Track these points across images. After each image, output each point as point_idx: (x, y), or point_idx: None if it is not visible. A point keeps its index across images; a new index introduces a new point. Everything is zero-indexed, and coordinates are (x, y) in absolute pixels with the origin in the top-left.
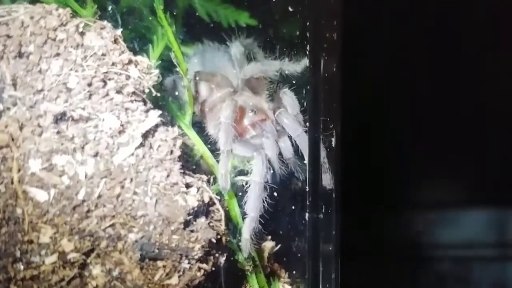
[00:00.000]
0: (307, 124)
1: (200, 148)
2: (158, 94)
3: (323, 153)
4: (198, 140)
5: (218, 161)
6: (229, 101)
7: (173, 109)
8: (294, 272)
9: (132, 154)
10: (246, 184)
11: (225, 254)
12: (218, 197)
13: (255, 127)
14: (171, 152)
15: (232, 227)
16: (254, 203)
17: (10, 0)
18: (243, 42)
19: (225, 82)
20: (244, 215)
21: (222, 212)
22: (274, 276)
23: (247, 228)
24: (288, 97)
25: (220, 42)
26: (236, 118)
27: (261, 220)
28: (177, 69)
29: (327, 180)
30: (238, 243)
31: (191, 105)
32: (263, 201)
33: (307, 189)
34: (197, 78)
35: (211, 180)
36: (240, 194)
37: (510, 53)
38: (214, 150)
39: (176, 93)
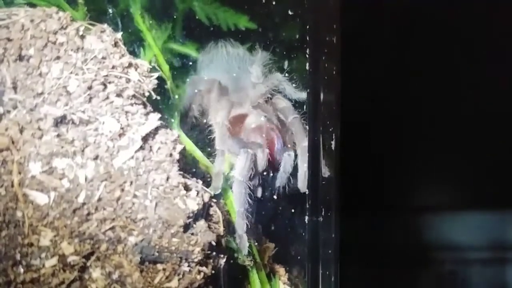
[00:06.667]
0: (307, 127)
1: (190, 149)
2: (158, 98)
3: (322, 156)
4: (189, 141)
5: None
6: (226, 101)
7: (163, 112)
8: (293, 274)
9: (132, 157)
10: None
11: (225, 257)
12: (215, 200)
13: (259, 131)
14: (171, 154)
15: (232, 226)
16: (237, 199)
17: (9, 3)
18: (262, 57)
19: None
20: None
21: (219, 213)
22: (274, 274)
23: (238, 224)
24: (282, 101)
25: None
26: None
27: (259, 221)
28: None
29: (326, 183)
30: (236, 241)
31: (177, 106)
32: (247, 199)
33: (307, 192)
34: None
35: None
36: None
37: (511, 53)
38: (210, 153)
39: (165, 96)
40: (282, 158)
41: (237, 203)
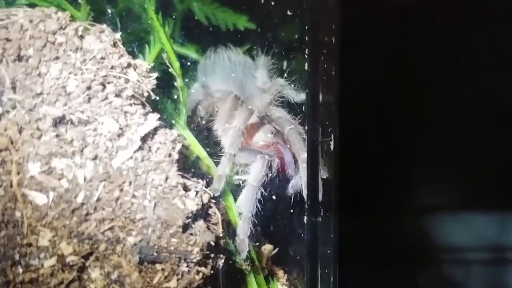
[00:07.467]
0: (305, 127)
1: (195, 148)
2: (157, 98)
3: (321, 157)
4: (194, 140)
5: (216, 164)
6: (245, 108)
7: (169, 110)
8: (292, 275)
9: (131, 157)
10: (243, 183)
11: (223, 257)
12: (214, 201)
13: (268, 148)
14: (170, 155)
15: (231, 229)
16: (246, 204)
17: (10, 3)
18: (266, 61)
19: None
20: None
21: (218, 215)
22: (273, 276)
23: (241, 228)
24: (277, 111)
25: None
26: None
27: (258, 222)
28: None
29: (325, 183)
30: (236, 244)
31: (185, 105)
32: (257, 204)
33: (306, 193)
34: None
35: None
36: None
37: (511, 53)
38: (213, 154)
39: (171, 94)
40: (291, 175)
41: (246, 208)
